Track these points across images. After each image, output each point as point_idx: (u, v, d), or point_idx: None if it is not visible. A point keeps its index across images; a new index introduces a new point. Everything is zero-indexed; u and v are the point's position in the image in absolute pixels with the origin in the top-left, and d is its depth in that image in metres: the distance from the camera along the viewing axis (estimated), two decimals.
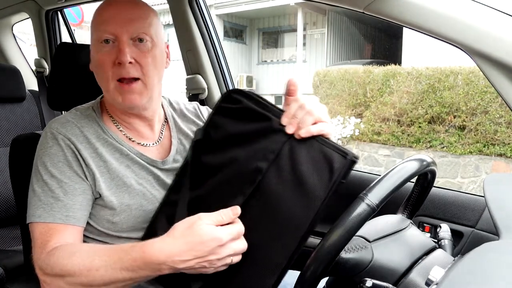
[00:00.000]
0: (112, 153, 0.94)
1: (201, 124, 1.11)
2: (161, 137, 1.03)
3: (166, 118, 1.07)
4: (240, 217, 0.78)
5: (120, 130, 0.98)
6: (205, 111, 1.17)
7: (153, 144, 1.01)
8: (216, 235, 0.73)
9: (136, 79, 0.92)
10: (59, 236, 0.85)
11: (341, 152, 0.76)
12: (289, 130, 0.80)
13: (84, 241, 0.94)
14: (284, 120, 0.81)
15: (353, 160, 0.75)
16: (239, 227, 0.77)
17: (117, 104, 0.94)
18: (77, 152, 0.90)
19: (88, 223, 0.92)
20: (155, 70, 0.94)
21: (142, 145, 0.99)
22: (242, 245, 0.77)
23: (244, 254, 0.77)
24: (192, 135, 1.06)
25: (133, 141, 0.98)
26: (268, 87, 12.07)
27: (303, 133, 0.78)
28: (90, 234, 0.93)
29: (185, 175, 0.88)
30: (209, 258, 0.73)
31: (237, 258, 0.76)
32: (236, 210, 0.77)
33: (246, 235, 0.77)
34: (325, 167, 0.76)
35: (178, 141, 1.05)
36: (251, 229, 0.77)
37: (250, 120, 0.83)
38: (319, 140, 0.78)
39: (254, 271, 0.77)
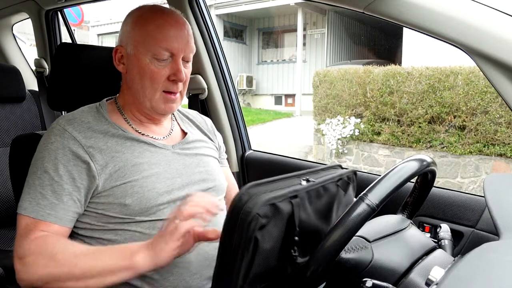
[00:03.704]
0: (123, 142, 0.98)
1: (202, 128, 1.19)
2: (171, 132, 1.10)
3: (172, 117, 1.14)
4: None
5: (130, 125, 1.03)
6: (199, 118, 1.24)
7: (163, 137, 1.07)
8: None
9: None
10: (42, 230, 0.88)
11: None
12: None
13: (92, 229, 0.96)
14: None
15: None
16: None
17: (158, 110, 1.01)
18: (82, 149, 0.92)
19: (96, 212, 0.94)
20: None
21: (151, 137, 1.04)
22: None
23: None
24: (192, 135, 1.14)
25: (142, 134, 1.03)
26: (268, 87, 12.07)
27: None
28: (99, 222, 0.94)
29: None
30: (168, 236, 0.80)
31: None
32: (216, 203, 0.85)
33: None
34: None
35: (187, 132, 1.12)
36: None
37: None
38: None
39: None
